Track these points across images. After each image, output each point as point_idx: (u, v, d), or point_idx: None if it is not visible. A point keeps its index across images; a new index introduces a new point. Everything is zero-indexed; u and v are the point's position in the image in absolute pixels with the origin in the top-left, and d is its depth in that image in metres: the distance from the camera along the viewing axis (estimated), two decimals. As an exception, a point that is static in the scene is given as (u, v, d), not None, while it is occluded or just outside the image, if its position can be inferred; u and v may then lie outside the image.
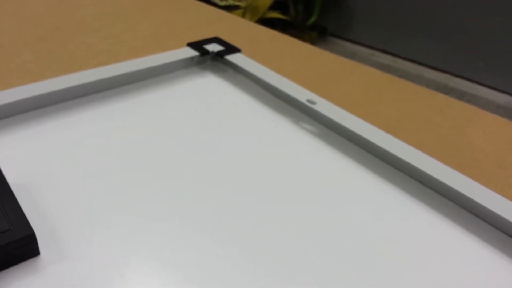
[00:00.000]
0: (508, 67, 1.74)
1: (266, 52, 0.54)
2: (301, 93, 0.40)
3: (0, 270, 0.24)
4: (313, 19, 2.05)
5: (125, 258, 0.26)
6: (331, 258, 0.27)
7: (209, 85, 0.44)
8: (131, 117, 0.38)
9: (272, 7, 1.95)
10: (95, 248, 0.27)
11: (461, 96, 1.76)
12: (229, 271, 0.26)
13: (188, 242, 0.28)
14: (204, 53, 0.46)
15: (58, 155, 0.33)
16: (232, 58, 0.45)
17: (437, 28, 1.85)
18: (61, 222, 0.28)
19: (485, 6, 1.71)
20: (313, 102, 0.39)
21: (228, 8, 1.89)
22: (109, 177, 0.32)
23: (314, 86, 0.47)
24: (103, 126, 0.37)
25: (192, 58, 0.46)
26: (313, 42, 2.07)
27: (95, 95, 0.40)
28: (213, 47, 0.47)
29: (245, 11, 1.88)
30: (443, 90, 1.78)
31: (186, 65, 0.46)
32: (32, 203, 0.29)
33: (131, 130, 0.37)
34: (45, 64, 0.47)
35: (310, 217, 0.30)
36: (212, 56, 0.47)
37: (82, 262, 0.26)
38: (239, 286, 0.25)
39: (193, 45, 0.47)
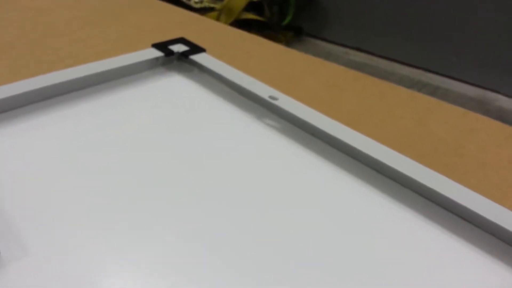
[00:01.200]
0: (478, 61, 1.78)
1: (234, 53, 0.55)
2: (263, 90, 0.41)
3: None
4: (288, 19, 2.07)
5: (88, 256, 0.26)
6: (299, 254, 0.28)
7: (175, 85, 0.44)
8: (96, 119, 0.38)
9: (247, 9, 1.96)
10: (56, 246, 0.27)
11: (434, 90, 1.79)
12: (188, 266, 0.27)
13: (149, 240, 0.28)
14: (168, 53, 0.46)
15: (19, 157, 0.34)
16: (197, 58, 0.46)
17: (409, 25, 1.89)
18: (22, 222, 0.28)
19: (456, 1, 1.74)
20: (275, 98, 0.40)
21: (204, 10, 1.89)
22: (70, 178, 0.32)
23: (279, 84, 0.48)
24: (68, 129, 0.37)
25: (157, 58, 0.46)
26: (288, 42, 2.09)
27: (60, 97, 0.41)
28: (178, 48, 0.47)
29: (220, 13, 1.88)
30: (417, 86, 1.81)
31: (152, 65, 0.46)
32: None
33: (97, 131, 0.37)
34: (13, 69, 0.47)
35: (275, 213, 0.31)
36: (177, 56, 0.48)
37: (43, 260, 0.26)
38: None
39: (158, 45, 0.47)
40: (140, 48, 0.53)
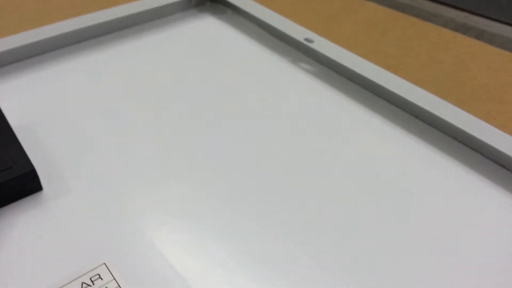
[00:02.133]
0: (531, 2, 1.66)
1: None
2: (298, 32, 0.40)
3: (4, 205, 0.26)
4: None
5: (127, 193, 0.27)
6: (333, 193, 0.28)
7: (208, 27, 0.44)
8: (130, 62, 0.38)
9: None
10: (97, 183, 0.28)
11: (480, 34, 1.70)
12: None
13: (182, 178, 0.29)
14: (201, -6, 0.45)
15: (60, 98, 0.34)
16: (230, -2, 0.45)
17: (457, -37, 1.76)
18: (64, 160, 0.29)
19: None
20: (310, 41, 0.38)
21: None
22: (110, 119, 0.33)
23: (315, 26, 0.46)
24: (102, 71, 0.37)
25: (189, 0, 0.45)
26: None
27: (93, 40, 0.41)
28: (211, -12, 0.46)
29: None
30: (462, 29, 1.72)
31: (184, 7, 0.45)
32: (35, 142, 0.30)
33: (130, 75, 0.37)
34: (46, 12, 0.47)
35: (312, 157, 0.31)
36: (210, -3, 0.47)
37: (84, 196, 0.27)
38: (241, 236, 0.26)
39: (191, -14, 0.46)
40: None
